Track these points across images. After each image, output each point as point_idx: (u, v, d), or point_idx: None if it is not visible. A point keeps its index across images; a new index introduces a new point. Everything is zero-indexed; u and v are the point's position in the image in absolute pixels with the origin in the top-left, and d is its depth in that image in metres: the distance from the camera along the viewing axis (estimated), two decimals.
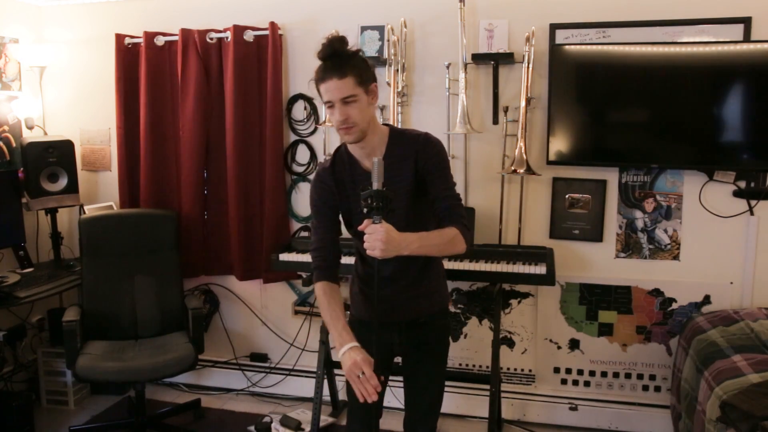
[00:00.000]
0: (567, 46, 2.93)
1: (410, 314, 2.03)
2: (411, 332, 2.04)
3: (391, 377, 3.38)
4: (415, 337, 2.06)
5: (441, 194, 1.94)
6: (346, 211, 2.03)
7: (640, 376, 3.16)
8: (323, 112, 3.29)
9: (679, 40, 2.85)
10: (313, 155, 3.41)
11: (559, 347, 3.24)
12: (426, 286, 2.07)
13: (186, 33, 3.36)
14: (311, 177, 3.41)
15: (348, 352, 1.84)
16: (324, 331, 3.17)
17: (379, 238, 1.72)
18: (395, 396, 3.40)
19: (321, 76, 1.83)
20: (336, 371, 3.42)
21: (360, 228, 1.78)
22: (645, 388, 3.16)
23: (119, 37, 3.44)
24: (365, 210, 1.78)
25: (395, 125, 2.30)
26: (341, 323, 1.92)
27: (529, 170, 2.93)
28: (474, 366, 3.35)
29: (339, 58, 1.82)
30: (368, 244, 1.74)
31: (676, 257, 3.04)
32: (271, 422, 3.22)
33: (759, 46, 2.71)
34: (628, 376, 3.17)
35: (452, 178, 2.00)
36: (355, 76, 1.82)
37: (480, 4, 3.08)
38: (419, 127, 3.21)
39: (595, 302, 3.16)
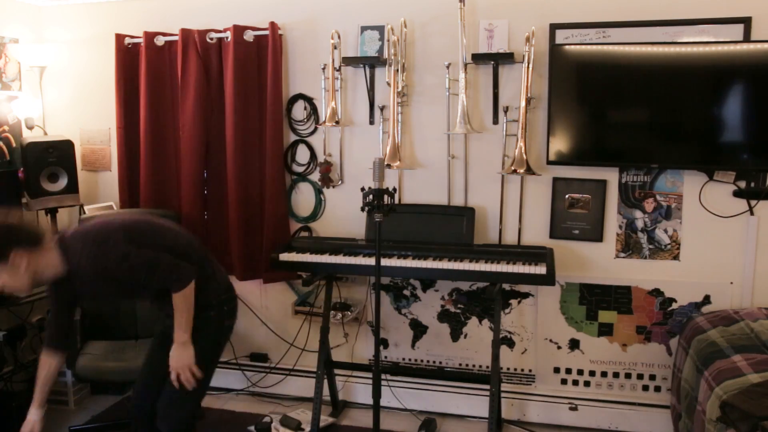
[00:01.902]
0: (567, 46, 2.93)
1: None
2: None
3: (391, 377, 3.42)
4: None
5: (148, 283, 2.22)
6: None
7: (640, 376, 3.16)
8: (323, 111, 3.30)
9: (679, 40, 2.85)
10: (313, 155, 3.41)
11: (559, 347, 3.24)
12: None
13: (186, 33, 3.36)
14: (311, 177, 3.42)
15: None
16: (324, 331, 3.18)
17: (177, 367, 2.28)
18: (395, 396, 3.40)
19: None
20: (336, 371, 3.42)
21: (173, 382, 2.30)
22: (645, 388, 3.16)
23: (119, 37, 3.44)
24: (366, 209, 1.80)
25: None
26: (36, 388, 2.34)
27: (529, 170, 2.93)
28: (474, 366, 3.35)
29: None
30: (183, 379, 2.29)
31: (676, 257, 3.04)
32: (271, 422, 3.22)
33: (759, 46, 2.71)
34: (628, 376, 3.17)
35: (129, 268, 2.17)
36: None
37: (480, 4, 3.08)
38: (419, 128, 3.24)
39: (595, 302, 3.16)
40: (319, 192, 3.43)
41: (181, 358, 2.30)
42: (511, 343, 3.29)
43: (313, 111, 3.38)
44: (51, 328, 2.36)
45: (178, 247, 2.32)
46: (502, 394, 3.23)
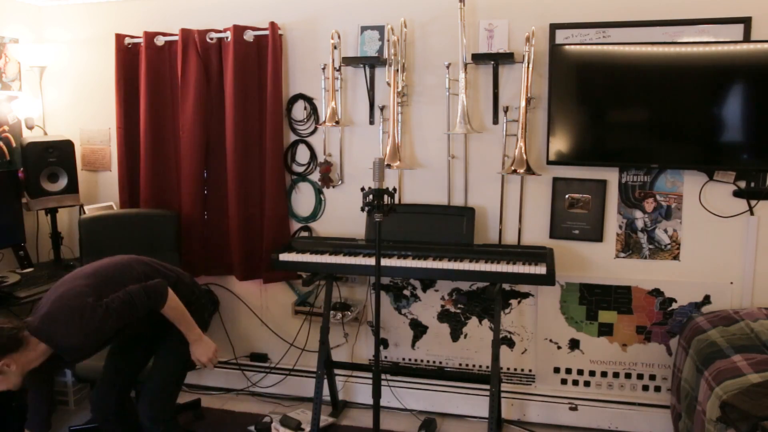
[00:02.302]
0: (567, 46, 2.93)
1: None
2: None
3: (391, 377, 3.42)
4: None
5: (137, 315, 2.30)
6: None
7: (640, 376, 3.16)
8: (323, 111, 3.30)
9: (679, 40, 2.85)
10: (313, 155, 3.41)
11: (559, 347, 3.24)
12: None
13: (186, 33, 3.36)
14: (311, 177, 3.42)
15: None
16: (324, 331, 3.18)
17: (206, 360, 2.45)
18: (395, 396, 3.40)
19: None
20: (336, 371, 3.42)
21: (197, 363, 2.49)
22: (645, 388, 3.16)
23: (119, 37, 3.44)
24: (366, 209, 1.80)
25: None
26: None
27: (529, 170, 2.93)
28: (474, 366, 3.35)
29: None
30: (212, 366, 2.50)
31: (676, 257, 3.05)
32: (271, 422, 3.22)
33: (759, 46, 2.71)
34: (628, 376, 3.17)
35: (112, 319, 2.21)
36: None
37: (480, 4, 3.08)
38: (419, 128, 3.24)
39: (595, 302, 3.16)
40: (319, 192, 3.43)
41: (206, 352, 2.46)
42: (511, 343, 3.29)
43: (313, 111, 3.38)
44: (33, 411, 2.38)
45: (138, 275, 2.38)
46: (502, 394, 3.23)
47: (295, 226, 3.50)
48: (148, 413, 2.45)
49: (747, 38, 2.78)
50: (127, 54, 3.47)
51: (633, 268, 3.09)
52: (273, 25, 3.26)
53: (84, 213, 3.45)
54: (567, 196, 3.10)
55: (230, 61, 3.28)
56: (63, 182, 3.45)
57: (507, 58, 3.00)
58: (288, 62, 3.37)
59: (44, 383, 2.37)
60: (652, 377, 3.14)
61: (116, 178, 3.58)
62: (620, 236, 3.09)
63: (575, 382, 3.24)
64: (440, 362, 3.39)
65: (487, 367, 3.26)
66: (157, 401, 2.47)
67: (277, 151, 3.36)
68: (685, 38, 2.85)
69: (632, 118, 2.94)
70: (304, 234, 3.47)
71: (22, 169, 3.40)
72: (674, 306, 3.07)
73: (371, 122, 3.28)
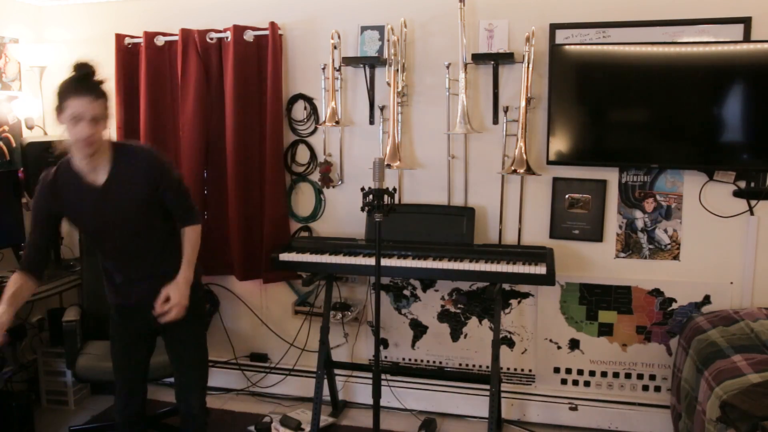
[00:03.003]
0: (567, 46, 2.93)
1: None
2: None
3: (391, 377, 3.42)
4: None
5: (177, 207, 2.35)
6: (74, 217, 2.32)
7: (640, 376, 3.16)
8: (323, 111, 3.29)
9: (679, 40, 2.85)
10: (313, 155, 3.41)
11: (559, 347, 3.24)
12: (163, 276, 2.32)
13: (186, 33, 3.36)
14: (311, 177, 3.42)
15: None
16: (324, 331, 3.18)
17: (176, 303, 2.22)
18: (395, 396, 3.40)
19: (74, 92, 2.10)
20: (336, 371, 3.42)
21: (157, 311, 2.23)
22: (645, 388, 3.16)
23: (119, 37, 3.44)
24: (366, 209, 1.80)
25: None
26: (5, 297, 2.20)
27: (529, 170, 2.93)
28: (474, 366, 3.35)
29: (93, 81, 2.16)
30: (172, 315, 2.22)
31: (676, 257, 3.05)
32: (271, 422, 3.22)
33: (759, 46, 2.71)
34: (628, 376, 3.17)
35: (177, 181, 2.36)
36: (106, 100, 2.16)
37: (480, 4, 3.08)
38: (419, 128, 3.23)
39: (595, 302, 3.16)
40: (319, 192, 3.43)
41: (180, 296, 2.27)
42: (511, 343, 3.29)
43: (313, 111, 3.38)
44: (31, 251, 2.29)
45: None
46: (502, 394, 3.23)
47: (295, 226, 3.50)
48: (198, 403, 2.51)
49: (747, 38, 2.78)
50: (127, 54, 3.46)
51: (633, 268, 3.09)
52: (273, 25, 3.26)
53: None
54: (567, 196, 3.10)
55: (230, 61, 3.28)
56: None
57: (507, 58, 3.00)
58: (288, 62, 3.37)
59: (49, 230, 2.33)
60: (652, 377, 3.14)
61: None
62: (620, 236, 3.09)
63: (575, 382, 3.24)
64: (440, 362, 3.39)
65: (487, 367, 3.26)
66: (202, 390, 2.54)
67: (277, 151, 3.36)
68: (685, 38, 2.85)
69: (632, 118, 2.94)
70: (304, 234, 3.47)
71: (22, 169, 3.40)
72: (674, 306, 3.07)
73: (371, 122, 3.29)
